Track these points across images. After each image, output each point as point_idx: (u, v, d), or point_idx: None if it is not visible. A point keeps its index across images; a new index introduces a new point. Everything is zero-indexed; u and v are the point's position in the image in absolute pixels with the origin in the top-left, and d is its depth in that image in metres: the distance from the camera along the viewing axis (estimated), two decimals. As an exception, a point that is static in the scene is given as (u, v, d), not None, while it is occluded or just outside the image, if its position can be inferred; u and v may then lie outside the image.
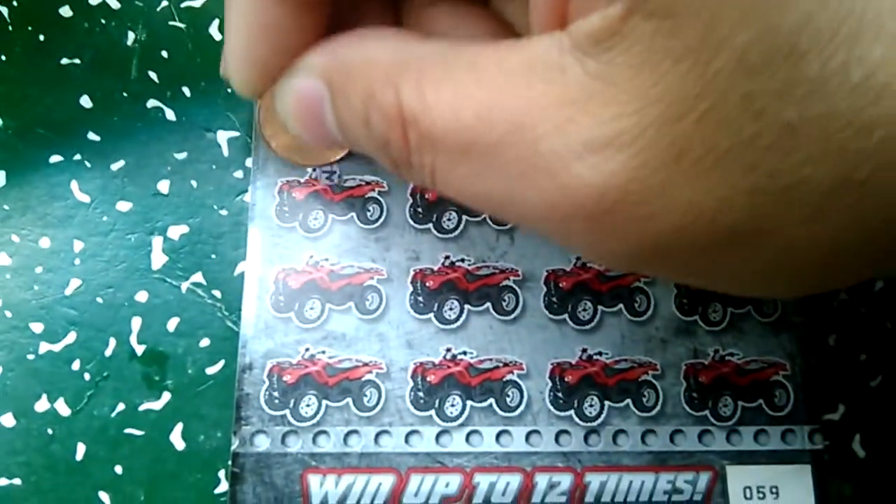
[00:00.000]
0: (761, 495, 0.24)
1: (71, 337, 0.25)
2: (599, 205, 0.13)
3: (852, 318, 0.26)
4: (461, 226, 0.26)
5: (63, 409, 0.24)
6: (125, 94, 0.26)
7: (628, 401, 0.25)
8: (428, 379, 0.24)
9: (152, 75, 0.27)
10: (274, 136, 0.26)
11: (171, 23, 0.27)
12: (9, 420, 0.24)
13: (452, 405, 0.24)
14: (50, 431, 0.24)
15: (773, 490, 0.24)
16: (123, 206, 0.26)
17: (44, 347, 0.24)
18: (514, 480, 0.24)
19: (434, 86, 0.15)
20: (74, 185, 0.26)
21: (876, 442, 0.25)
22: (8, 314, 0.25)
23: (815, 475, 0.24)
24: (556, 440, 0.24)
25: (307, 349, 0.24)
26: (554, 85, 0.13)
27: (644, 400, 0.25)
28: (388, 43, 0.16)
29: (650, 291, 0.26)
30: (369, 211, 0.26)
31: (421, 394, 0.24)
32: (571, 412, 0.25)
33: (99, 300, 0.25)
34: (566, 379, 0.25)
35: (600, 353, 0.25)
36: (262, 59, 0.18)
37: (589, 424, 0.25)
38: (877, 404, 0.25)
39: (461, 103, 0.14)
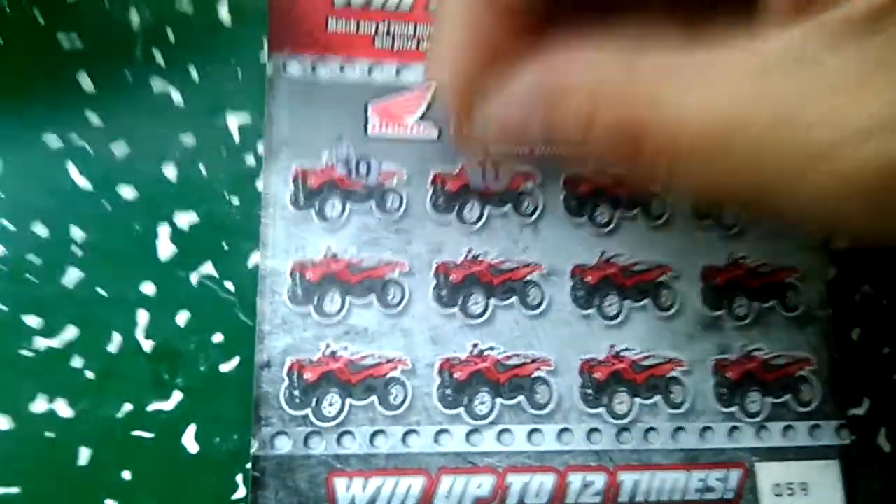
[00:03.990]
0: (790, 492, 0.24)
1: (71, 332, 0.23)
2: (885, 185, 0.13)
3: (876, 312, 0.26)
4: (484, 217, 0.25)
5: (63, 410, 0.22)
6: (128, 75, 0.25)
7: (658, 398, 0.24)
8: (455, 375, 0.23)
9: (157, 56, 0.25)
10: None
11: (176, 2, 0.26)
12: (2, 423, 0.22)
13: (482, 402, 0.23)
14: (50, 435, 0.22)
15: (803, 486, 0.24)
16: (127, 192, 0.24)
17: (40, 343, 0.23)
18: (548, 480, 0.23)
19: (675, 90, 0.15)
20: (74, 169, 0.24)
21: (901, 436, 0.25)
22: (2, 307, 0.23)
23: (844, 470, 0.24)
24: (588, 438, 0.24)
25: (328, 345, 0.23)
26: (818, 72, 0.13)
27: (672, 396, 0.24)
28: (608, 54, 0.16)
29: (675, 286, 0.25)
30: (388, 200, 0.25)
31: (448, 391, 0.23)
32: (602, 409, 0.24)
33: (101, 292, 0.23)
34: (595, 375, 0.24)
35: (628, 349, 0.25)
36: (470, 64, 0.18)
37: (620, 422, 0.24)
38: (901, 399, 0.25)
39: (711, 102, 0.14)
